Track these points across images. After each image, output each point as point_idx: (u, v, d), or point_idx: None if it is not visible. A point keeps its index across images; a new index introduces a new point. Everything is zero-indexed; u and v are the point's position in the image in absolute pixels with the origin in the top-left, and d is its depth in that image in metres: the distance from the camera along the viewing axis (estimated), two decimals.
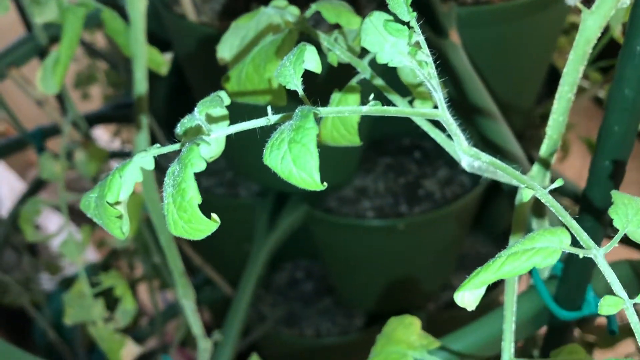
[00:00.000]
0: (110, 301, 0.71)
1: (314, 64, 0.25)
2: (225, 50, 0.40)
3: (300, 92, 0.24)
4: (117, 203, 0.24)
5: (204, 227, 0.21)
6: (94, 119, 1.08)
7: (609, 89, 0.34)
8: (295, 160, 0.21)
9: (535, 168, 0.38)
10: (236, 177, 0.94)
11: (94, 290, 0.65)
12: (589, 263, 0.43)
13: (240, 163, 0.88)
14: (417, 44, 0.24)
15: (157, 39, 0.77)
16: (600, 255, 0.24)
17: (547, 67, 0.83)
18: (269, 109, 0.24)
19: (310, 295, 1.12)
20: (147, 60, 0.54)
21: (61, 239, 0.68)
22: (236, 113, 0.27)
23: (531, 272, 0.48)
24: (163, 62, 0.56)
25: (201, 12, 0.75)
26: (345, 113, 0.23)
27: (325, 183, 0.21)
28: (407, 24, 0.24)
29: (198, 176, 0.74)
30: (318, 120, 0.24)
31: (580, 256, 0.23)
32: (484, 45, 0.70)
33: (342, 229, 0.86)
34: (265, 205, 0.88)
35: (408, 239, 0.89)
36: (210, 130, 0.24)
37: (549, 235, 0.23)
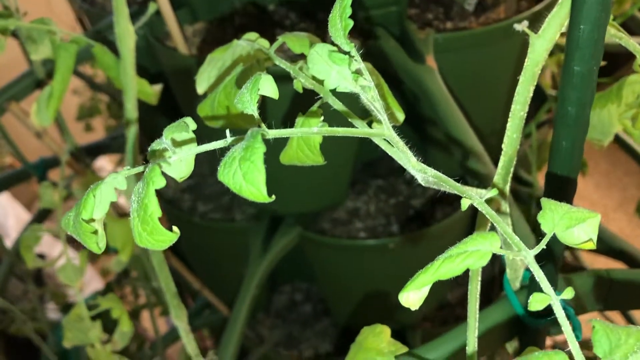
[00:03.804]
0: (110, 325, 0.74)
1: (270, 90, 0.28)
2: (204, 80, 0.43)
3: (256, 115, 0.27)
4: (92, 220, 0.26)
5: (165, 237, 0.24)
6: (95, 150, 1.12)
7: (556, 107, 0.36)
8: (245, 176, 0.23)
9: (496, 178, 0.40)
10: (232, 202, 0.97)
11: (91, 313, 0.68)
12: (552, 272, 0.46)
13: None
14: (359, 70, 0.27)
15: (148, 72, 0.80)
16: (530, 256, 0.26)
17: None
18: (227, 132, 0.27)
19: (309, 317, 1.13)
20: (138, 92, 0.58)
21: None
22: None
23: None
24: (152, 93, 0.60)
25: (192, 44, 0.79)
26: (294, 134, 0.26)
27: (273, 196, 0.24)
28: (348, 53, 0.27)
29: (195, 202, 0.77)
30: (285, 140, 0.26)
31: (510, 257, 0.25)
32: (463, 69, 0.73)
33: (333, 249, 0.88)
34: (260, 228, 0.91)
35: (399, 258, 0.91)
36: (174, 152, 0.26)
37: (480, 239, 0.26)
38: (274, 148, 0.31)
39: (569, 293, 0.25)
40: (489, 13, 0.81)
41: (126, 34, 0.55)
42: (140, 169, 0.26)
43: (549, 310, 0.46)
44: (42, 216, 1.01)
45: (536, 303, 0.25)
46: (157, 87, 0.60)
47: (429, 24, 0.78)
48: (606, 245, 0.93)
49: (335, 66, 0.27)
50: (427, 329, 1.05)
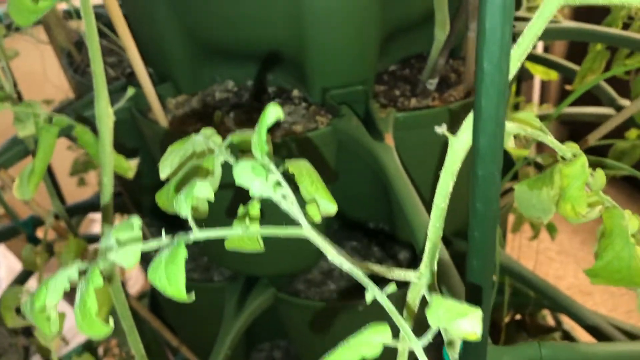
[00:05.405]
0: None
1: (206, 193, 0.33)
2: (166, 167, 0.48)
3: (190, 220, 0.32)
4: (44, 308, 0.31)
5: (101, 330, 0.28)
6: (84, 208, 1.17)
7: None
8: (168, 277, 0.28)
9: (422, 266, 0.45)
10: (210, 262, 1.01)
11: None
12: (480, 345, 0.50)
13: (212, 250, 0.95)
14: (277, 182, 0.32)
15: (125, 147, 0.86)
16: (418, 346, 0.30)
17: None
18: (163, 232, 0.32)
19: None
20: (115, 167, 0.63)
21: None
22: None
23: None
24: (129, 167, 0.65)
25: (174, 115, 0.84)
26: (219, 236, 0.31)
27: (192, 294, 0.28)
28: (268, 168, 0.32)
29: None
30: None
31: (400, 349, 0.30)
32: (423, 146, 0.78)
33: (305, 310, 0.92)
34: (235, 288, 0.94)
35: (369, 319, 0.94)
36: (117, 251, 0.31)
37: (374, 331, 0.30)
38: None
39: None
40: (452, 90, 0.87)
41: (105, 115, 0.60)
42: (85, 265, 0.30)
43: None
44: (27, 275, 1.05)
45: None
46: (133, 162, 0.65)
47: (395, 101, 0.84)
48: (582, 321, 0.96)
49: (257, 177, 0.32)
50: None
